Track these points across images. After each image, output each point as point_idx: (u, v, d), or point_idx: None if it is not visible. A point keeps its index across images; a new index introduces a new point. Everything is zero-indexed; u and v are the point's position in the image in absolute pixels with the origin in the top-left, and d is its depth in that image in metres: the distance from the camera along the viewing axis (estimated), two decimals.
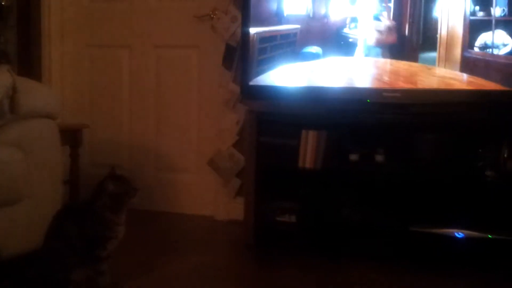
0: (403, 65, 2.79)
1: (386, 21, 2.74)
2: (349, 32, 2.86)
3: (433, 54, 2.72)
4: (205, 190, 3.65)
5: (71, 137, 3.22)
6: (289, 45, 2.93)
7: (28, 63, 3.72)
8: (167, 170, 3.76)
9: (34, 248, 2.27)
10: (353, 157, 2.87)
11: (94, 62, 3.88)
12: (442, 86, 2.72)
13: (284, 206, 2.97)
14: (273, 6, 2.94)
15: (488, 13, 2.61)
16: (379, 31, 2.77)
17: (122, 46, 3.80)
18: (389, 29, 2.73)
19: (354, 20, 2.85)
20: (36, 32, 3.75)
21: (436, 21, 2.70)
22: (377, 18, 2.78)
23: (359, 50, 2.81)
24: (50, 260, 2.14)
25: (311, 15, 2.91)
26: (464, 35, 2.65)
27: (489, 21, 2.61)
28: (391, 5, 2.78)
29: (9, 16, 3.71)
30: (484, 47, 2.63)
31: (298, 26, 2.92)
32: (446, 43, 2.68)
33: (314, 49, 2.91)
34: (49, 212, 2.26)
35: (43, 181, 2.57)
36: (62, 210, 2.30)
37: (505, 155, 2.64)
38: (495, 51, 2.61)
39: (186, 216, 3.63)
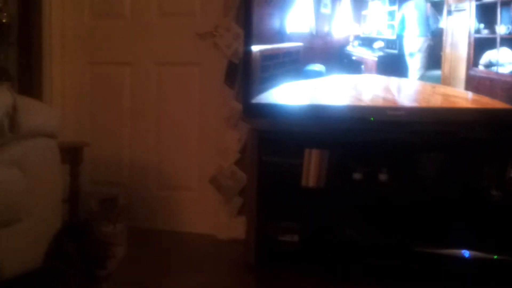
0: (406, 83, 2.77)
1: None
2: (352, 50, 2.85)
3: (438, 72, 2.71)
4: (206, 208, 3.61)
5: (72, 155, 3.20)
6: (292, 63, 2.92)
7: (29, 81, 3.70)
8: (168, 188, 3.74)
9: (34, 267, 2.24)
10: (357, 176, 2.85)
11: (95, 80, 3.87)
12: (447, 105, 2.70)
13: (287, 225, 2.94)
14: (276, 24, 2.93)
15: (493, 31, 2.60)
16: None
17: (124, 63, 3.79)
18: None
19: (357, 38, 2.84)
20: (37, 49, 3.74)
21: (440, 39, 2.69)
22: None
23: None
24: (50, 280, 2.11)
25: (314, 33, 2.90)
26: (468, 53, 2.63)
27: (494, 39, 2.59)
28: (395, 22, 2.77)
29: (10, 33, 3.70)
30: (489, 65, 2.61)
31: (301, 44, 2.91)
32: (451, 61, 2.67)
33: (317, 67, 2.89)
34: (49, 231, 2.24)
35: (42, 200, 2.55)
36: (62, 229, 2.28)
37: (510, 175, 2.61)
38: (500, 69, 2.59)
39: (187, 234, 3.60)
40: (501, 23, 2.58)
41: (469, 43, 2.63)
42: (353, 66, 2.86)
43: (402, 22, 2.74)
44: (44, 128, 2.58)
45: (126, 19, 3.78)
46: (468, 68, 2.64)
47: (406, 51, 2.74)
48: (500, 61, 2.59)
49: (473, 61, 2.64)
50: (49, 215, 2.60)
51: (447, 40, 2.67)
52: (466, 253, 2.66)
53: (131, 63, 3.78)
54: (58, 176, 2.69)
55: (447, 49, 2.67)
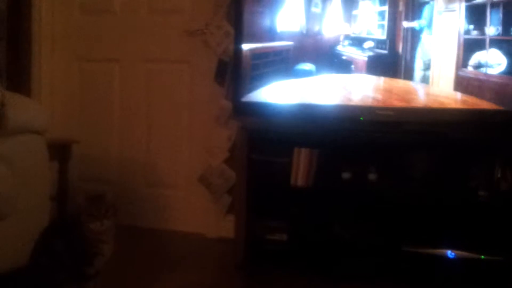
0: (396, 83, 2.78)
1: None
2: (343, 49, 2.85)
3: (427, 73, 2.71)
4: (195, 207, 3.60)
5: (60, 152, 3.18)
6: (282, 61, 2.92)
7: (18, 76, 3.68)
8: (157, 186, 3.72)
9: (21, 264, 2.23)
10: (346, 175, 2.85)
11: (84, 76, 3.85)
12: (436, 105, 2.71)
13: (275, 224, 2.94)
14: (267, 23, 2.93)
15: (482, 32, 2.61)
16: None
17: (113, 60, 3.77)
18: None
19: (347, 37, 2.85)
20: (26, 45, 3.72)
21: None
22: None
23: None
24: (37, 277, 2.11)
25: (304, 32, 2.90)
26: (458, 54, 2.64)
27: (483, 40, 2.61)
28: (385, 22, 2.78)
29: None
30: (478, 66, 2.63)
31: (291, 43, 2.91)
32: (440, 61, 2.67)
33: (307, 66, 2.89)
34: (36, 228, 2.23)
35: (30, 197, 2.53)
36: (49, 226, 2.27)
37: (499, 175, 2.63)
38: (489, 70, 2.60)
39: (176, 233, 3.59)
40: (490, 24, 2.59)
41: (459, 44, 2.64)
42: (343, 65, 2.86)
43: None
44: (32, 125, 2.57)
45: (116, 16, 3.75)
46: (457, 68, 2.66)
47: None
48: (489, 62, 2.60)
49: (462, 62, 2.65)
50: (37, 212, 2.59)
51: (437, 40, 2.68)
52: (453, 253, 2.67)
53: (120, 59, 3.76)
54: (46, 173, 2.68)
55: (437, 50, 2.68)
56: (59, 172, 3.22)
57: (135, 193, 3.69)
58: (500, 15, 2.58)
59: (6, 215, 2.42)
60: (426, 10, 2.70)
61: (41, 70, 3.80)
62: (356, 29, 2.84)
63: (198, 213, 3.59)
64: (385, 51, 2.79)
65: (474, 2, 2.62)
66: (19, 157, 2.47)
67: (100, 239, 2.18)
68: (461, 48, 2.64)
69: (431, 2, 2.68)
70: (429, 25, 2.69)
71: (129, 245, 3.18)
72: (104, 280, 2.26)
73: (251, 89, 2.93)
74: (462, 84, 2.66)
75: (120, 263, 2.61)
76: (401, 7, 2.75)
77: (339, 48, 2.86)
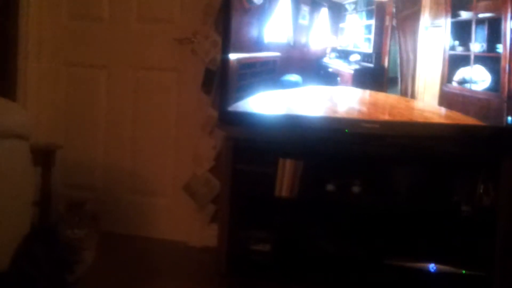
0: (382, 97, 2.79)
1: None
2: (329, 62, 2.87)
3: (413, 87, 2.74)
4: (179, 215, 3.60)
5: (44, 157, 3.16)
6: (269, 72, 2.93)
7: (2, 80, 3.65)
8: (141, 193, 3.72)
9: (1, 270, 2.21)
10: (330, 187, 2.85)
11: (71, 81, 3.84)
12: (420, 119, 2.73)
13: (259, 234, 2.93)
14: (254, 33, 2.94)
15: (467, 49, 2.63)
16: None
17: (100, 66, 3.77)
18: None
19: (334, 50, 2.86)
20: (13, 48, 3.70)
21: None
22: None
23: None
24: (17, 283, 2.09)
25: (291, 43, 2.91)
26: (443, 69, 2.66)
27: (468, 56, 2.63)
28: (371, 36, 2.80)
29: None
30: (463, 82, 2.65)
31: (278, 53, 2.92)
32: (425, 76, 2.69)
33: (294, 77, 2.90)
34: (17, 234, 2.21)
35: (12, 202, 2.50)
36: (31, 232, 2.26)
37: (481, 191, 2.64)
38: (473, 86, 2.62)
39: (159, 241, 3.58)
40: (475, 41, 2.62)
41: (444, 60, 2.66)
42: (329, 78, 2.87)
43: None
44: (15, 129, 2.54)
45: (105, 22, 3.75)
46: (442, 84, 2.67)
47: None
48: (474, 79, 2.62)
49: (447, 77, 2.67)
50: (18, 218, 2.56)
51: (422, 55, 2.71)
52: (435, 267, 2.68)
53: (108, 66, 3.76)
54: (28, 178, 2.65)
55: (422, 65, 2.71)
56: (42, 178, 3.20)
57: (119, 200, 3.68)
58: (485, 32, 2.60)
59: None
60: None
61: (27, 75, 3.78)
62: (343, 42, 2.86)
63: (182, 221, 3.58)
64: (371, 65, 2.81)
65: (459, 18, 2.64)
66: (1, 162, 2.45)
67: (80, 247, 2.17)
68: (446, 63, 2.65)
69: None
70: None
71: (112, 252, 3.16)
72: (85, 287, 2.26)
73: (237, 99, 2.93)
74: (446, 99, 2.68)
75: (102, 271, 2.59)
76: (387, 21, 2.77)
77: (326, 60, 2.87)
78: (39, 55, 3.86)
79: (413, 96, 2.74)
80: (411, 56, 2.72)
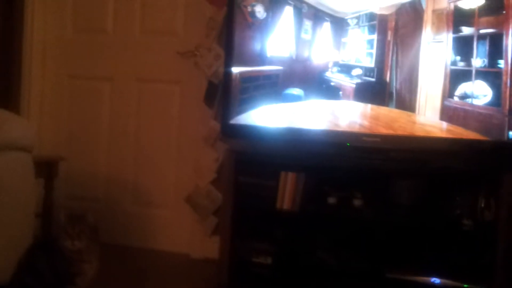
0: (383, 111, 2.80)
1: None
2: (331, 76, 2.88)
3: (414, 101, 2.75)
4: (181, 227, 3.60)
5: (47, 169, 3.17)
6: (271, 86, 2.94)
7: (6, 93, 3.67)
8: (144, 205, 3.72)
9: (3, 282, 2.21)
10: (331, 200, 2.86)
11: (75, 94, 3.85)
12: (422, 133, 2.74)
13: (261, 247, 2.94)
14: (257, 47, 2.95)
15: (469, 64, 2.64)
16: None
17: (104, 79, 3.79)
18: None
19: (336, 64, 2.87)
20: (17, 61, 3.72)
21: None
22: None
23: None
24: None
25: (294, 57, 2.93)
26: (444, 84, 2.67)
27: (469, 72, 2.64)
28: (373, 51, 2.81)
29: None
30: (464, 96, 2.66)
31: (280, 67, 2.93)
32: (427, 91, 2.71)
33: (296, 91, 2.92)
34: (20, 246, 2.22)
35: (14, 214, 2.52)
36: (34, 244, 2.26)
37: (482, 205, 2.64)
38: (475, 101, 2.63)
39: (161, 252, 3.58)
40: (477, 56, 2.63)
41: (445, 74, 2.67)
42: (331, 91, 2.89)
43: None
44: (19, 142, 2.56)
45: (109, 35, 3.77)
46: (443, 98, 2.69)
47: None
48: (475, 93, 2.63)
49: (448, 92, 2.68)
50: (21, 230, 2.57)
51: (424, 70, 2.72)
52: (436, 280, 2.68)
53: (111, 78, 3.77)
54: (31, 190, 2.67)
55: (424, 79, 2.72)
56: (45, 189, 3.21)
57: (122, 212, 3.68)
58: (487, 47, 2.62)
59: None
60: None
61: (31, 87, 3.80)
62: (345, 56, 2.88)
63: (184, 233, 3.58)
64: (373, 79, 2.82)
65: (461, 34, 2.66)
66: (4, 174, 2.46)
67: (80, 259, 2.17)
68: (448, 78, 2.67)
69: None
70: None
71: (114, 264, 3.16)
72: None
73: (239, 112, 2.94)
74: (448, 113, 2.69)
75: (104, 282, 2.59)
76: (389, 36, 2.79)
77: (328, 74, 2.89)
78: (43, 67, 3.88)
79: (411, 110, 2.75)
80: (410, 71, 2.74)
